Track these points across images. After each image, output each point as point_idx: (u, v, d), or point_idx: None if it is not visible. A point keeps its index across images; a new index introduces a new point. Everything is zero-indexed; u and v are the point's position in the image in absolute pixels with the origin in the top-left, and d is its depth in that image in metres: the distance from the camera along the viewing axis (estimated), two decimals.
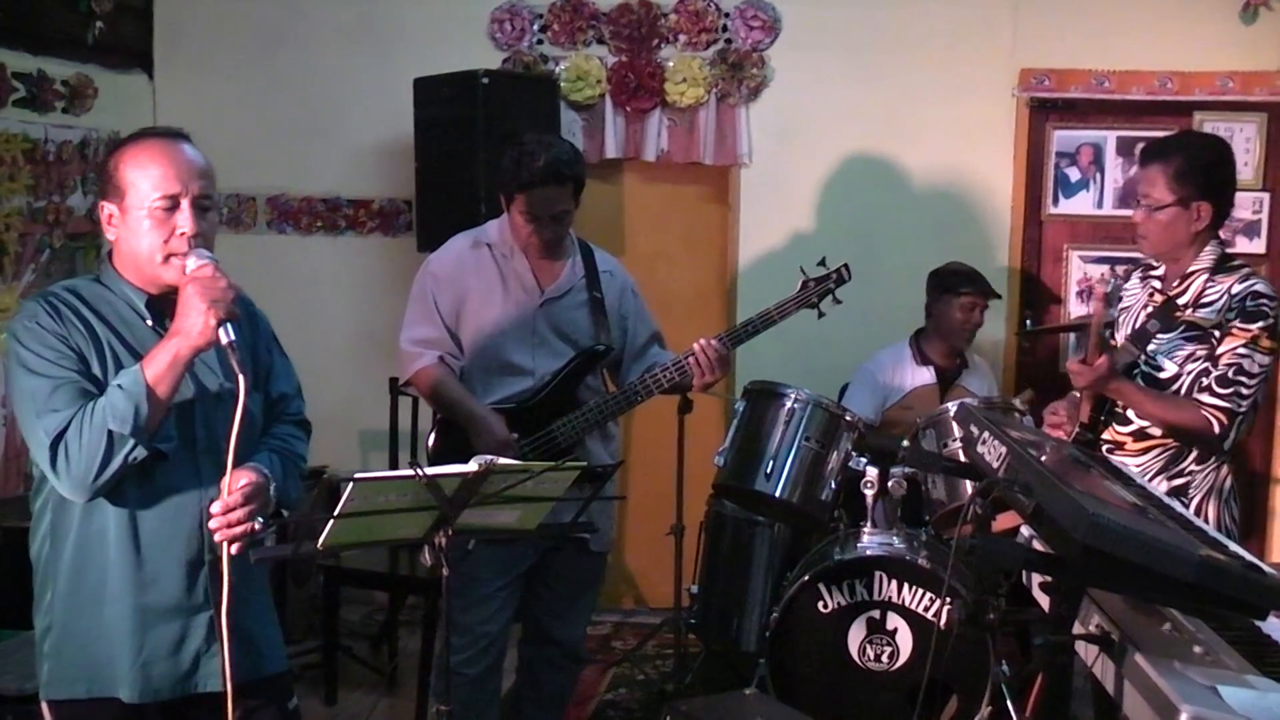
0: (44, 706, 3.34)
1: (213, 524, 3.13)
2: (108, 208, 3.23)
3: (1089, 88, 6.81)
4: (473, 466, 3.05)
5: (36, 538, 3.29)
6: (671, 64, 6.97)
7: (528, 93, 6.63)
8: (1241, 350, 4.15)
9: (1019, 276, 6.97)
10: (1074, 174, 6.94)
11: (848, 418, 5.30)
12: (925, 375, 6.21)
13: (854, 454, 5.26)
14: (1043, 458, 3.02)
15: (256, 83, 7.28)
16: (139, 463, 3.07)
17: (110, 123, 6.91)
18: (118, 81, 7.06)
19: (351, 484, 2.93)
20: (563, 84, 6.97)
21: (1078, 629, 2.92)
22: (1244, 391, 4.14)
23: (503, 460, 3.10)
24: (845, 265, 4.99)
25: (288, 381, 3.57)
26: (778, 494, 5.16)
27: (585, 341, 4.77)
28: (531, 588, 4.85)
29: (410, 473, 3.00)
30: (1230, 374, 4.14)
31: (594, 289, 4.81)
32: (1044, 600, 3.13)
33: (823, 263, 5.00)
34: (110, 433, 3.01)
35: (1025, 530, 3.72)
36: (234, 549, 3.14)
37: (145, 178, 3.16)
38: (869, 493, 5.26)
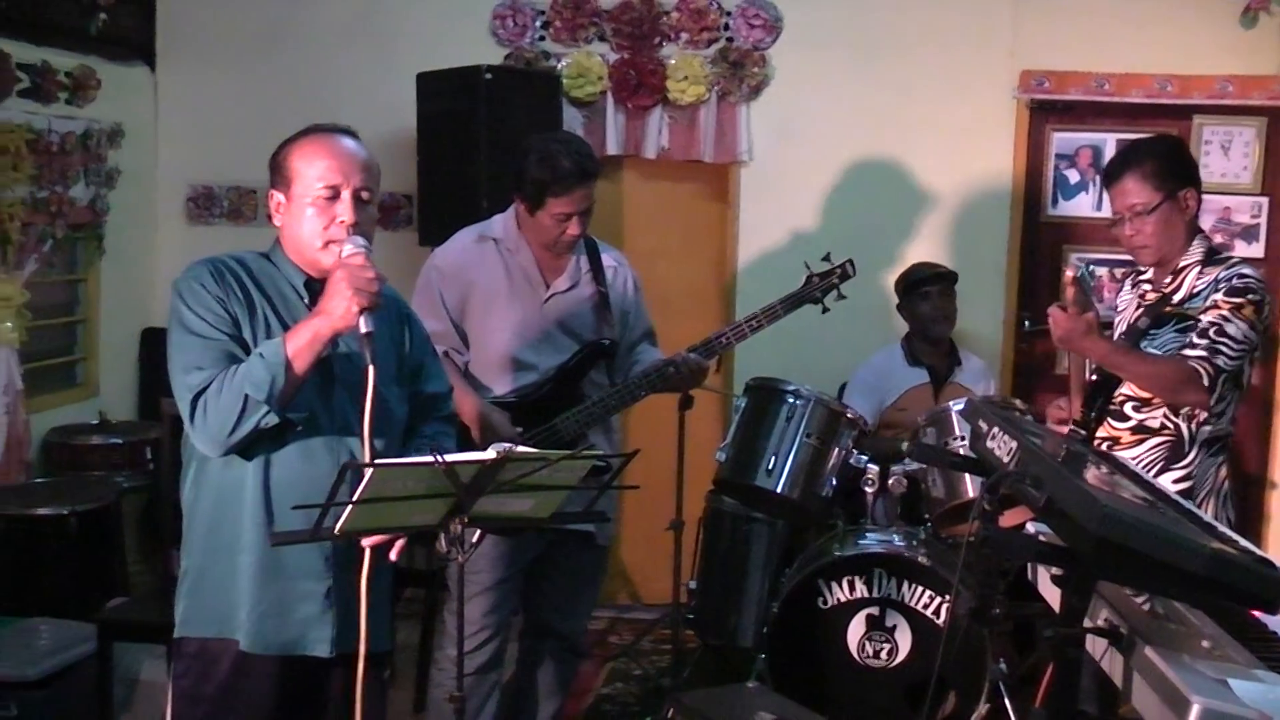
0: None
1: None
2: (276, 195, 3.47)
3: (1088, 90, 6.82)
4: (490, 454, 3.07)
5: (185, 484, 3.48)
6: (673, 61, 6.99)
7: (529, 89, 6.64)
8: (1221, 316, 4.17)
9: (1017, 277, 6.99)
10: (1073, 176, 6.96)
11: (848, 415, 5.31)
12: (918, 376, 6.22)
13: (854, 451, 5.28)
14: (1052, 452, 3.04)
15: (258, 76, 7.29)
16: (274, 428, 3.25)
17: (112, 114, 6.93)
18: (120, 73, 7.07)
19: (370, 470, 2.96)
20: (564, 80, 6.99)
21: (1086, 623, 2.94)
22: (1226, 350, 4.14)
23: (520, 448, 3.13)
24: (850, 261, 5.02)
25: (441, 382, 3.78)
26: (779, 490, 5.16)
27: (589, 336, 4.79)
28: (534, 580, 4.87)
29: (429, 459, 3.03)
30: (1211, 332, 4.15)
31: (599, 284, 4.83)
32: (1052, 596, 3.15)
33: (827, 258, 5.03)
34: (246, 397, 3.20)
35: (1030, 528, 3.73)
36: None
37: (311, 168, 3.39)
38: (869, 490, 5.29)
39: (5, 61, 6.14)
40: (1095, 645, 3.02)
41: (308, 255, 3.43)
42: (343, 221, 3.36)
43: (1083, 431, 4.37)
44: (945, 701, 4.98)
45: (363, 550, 3.31)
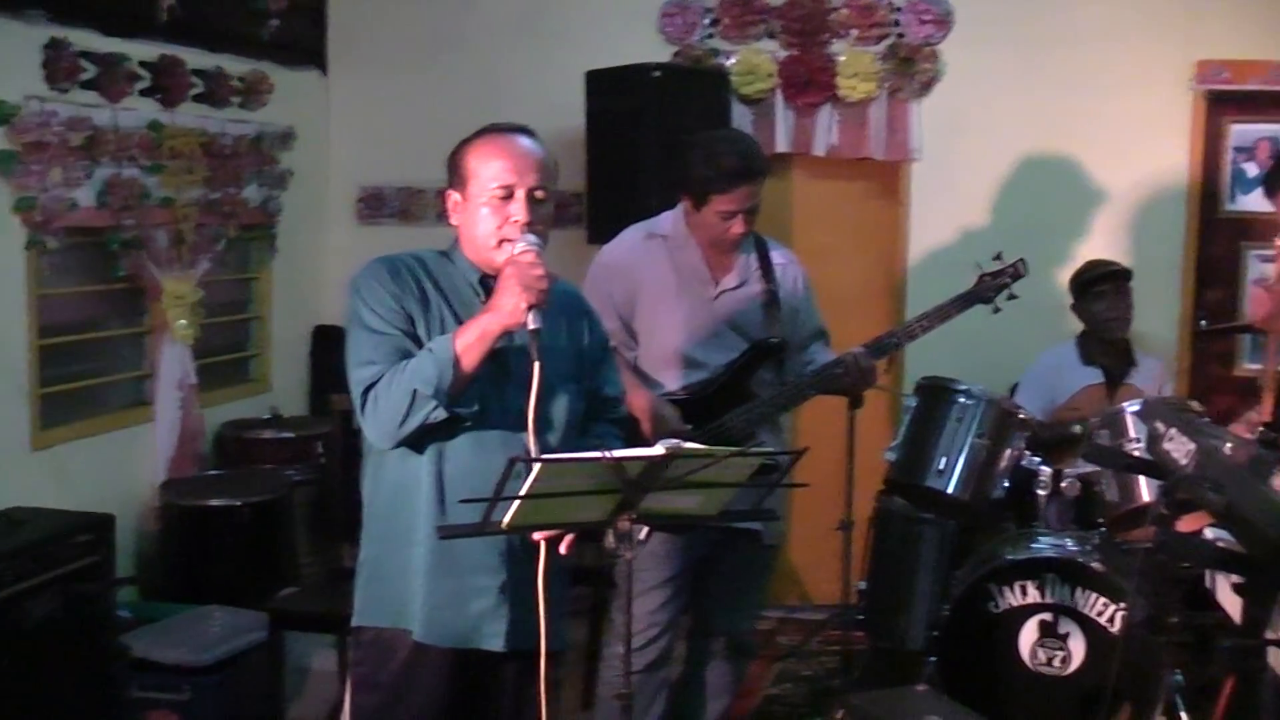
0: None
1: None
2: (453, 196, 3.54)
3: (1268, 79, 6.61)
4: (658, 450, 3.06)
5: (365, 476, 3.58)
6: (842, 58, 6.94)
7: (698, 86, 6.65)
8: None
9: (1193, 275, 6.83)
10: (1251, 169, 6.76)
11: (1020, 415, 5.21)
12: (1092, 375, 6.07)
13: (1027, 454, 5.19)
14: (1233, 455, 2.95)
15: (427, 78, 7.38)
16: (444, 422, 3.32)
17: (284, 118, 7.08)
18: (292, 78, 7.21)
19: (538, 465, 2.97)
20: (733, 78, 6.98)
21: (1268, 634, 2.85)
22: None
23: (688, 444, 3.12)
24: (1021, 260, 4.94)
25: (616, 386, 3.83)
26: (950, 491, 5.08)
27: (758, 334, 4.76)
28: (702, 579, 4.85)
29: (596, 455, 3.03)
30: None
31: (768, 281, 4.80)
32: (1232, 605, 3.07)
33: (998, 257, 4.95)
34: (414, 392, 3.27)
35: (1209, 534, 3.63)
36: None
37: (486, 168, 3.45)
38: (1042, 493, 5.20)
39: (180, 68, 6.30)
40: (1278, 658, 2.93)
41: (483, 254, 3.47)
42: (516, 220, 3.40)
43: (1274, 433, 4.23)
44: (1120, 713, 4.87)
45: (537, 545, 3.36)
